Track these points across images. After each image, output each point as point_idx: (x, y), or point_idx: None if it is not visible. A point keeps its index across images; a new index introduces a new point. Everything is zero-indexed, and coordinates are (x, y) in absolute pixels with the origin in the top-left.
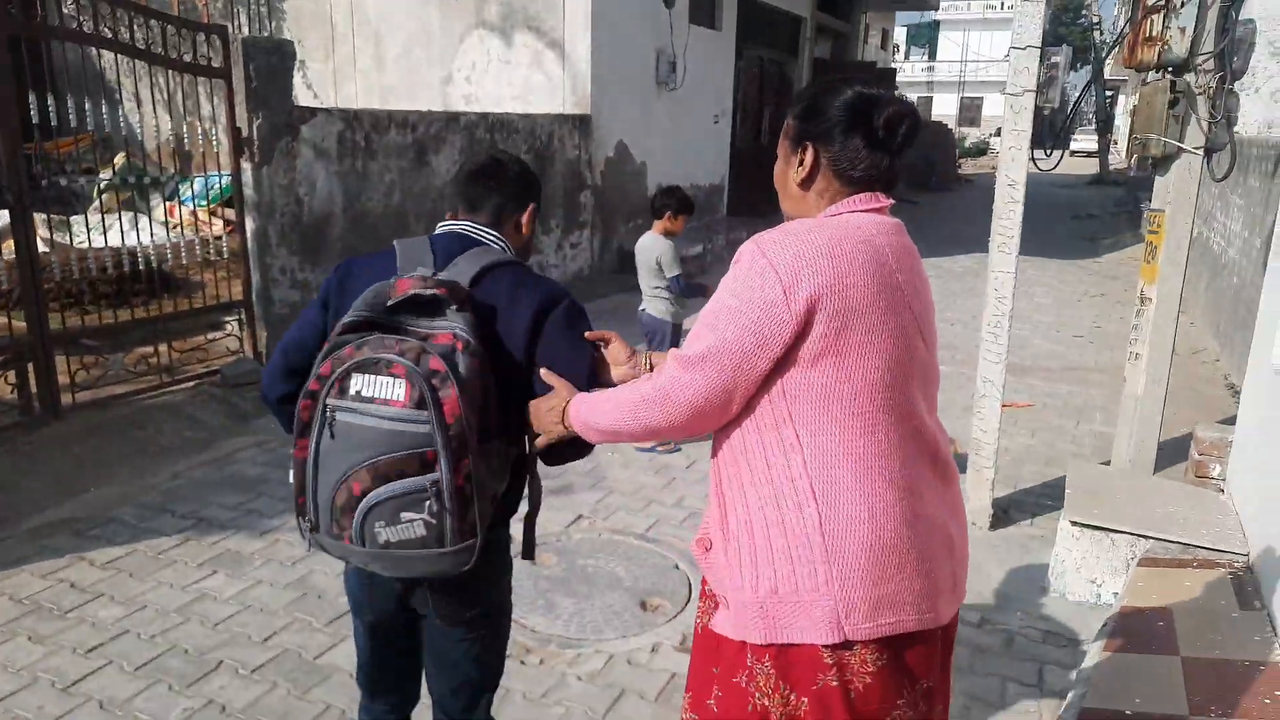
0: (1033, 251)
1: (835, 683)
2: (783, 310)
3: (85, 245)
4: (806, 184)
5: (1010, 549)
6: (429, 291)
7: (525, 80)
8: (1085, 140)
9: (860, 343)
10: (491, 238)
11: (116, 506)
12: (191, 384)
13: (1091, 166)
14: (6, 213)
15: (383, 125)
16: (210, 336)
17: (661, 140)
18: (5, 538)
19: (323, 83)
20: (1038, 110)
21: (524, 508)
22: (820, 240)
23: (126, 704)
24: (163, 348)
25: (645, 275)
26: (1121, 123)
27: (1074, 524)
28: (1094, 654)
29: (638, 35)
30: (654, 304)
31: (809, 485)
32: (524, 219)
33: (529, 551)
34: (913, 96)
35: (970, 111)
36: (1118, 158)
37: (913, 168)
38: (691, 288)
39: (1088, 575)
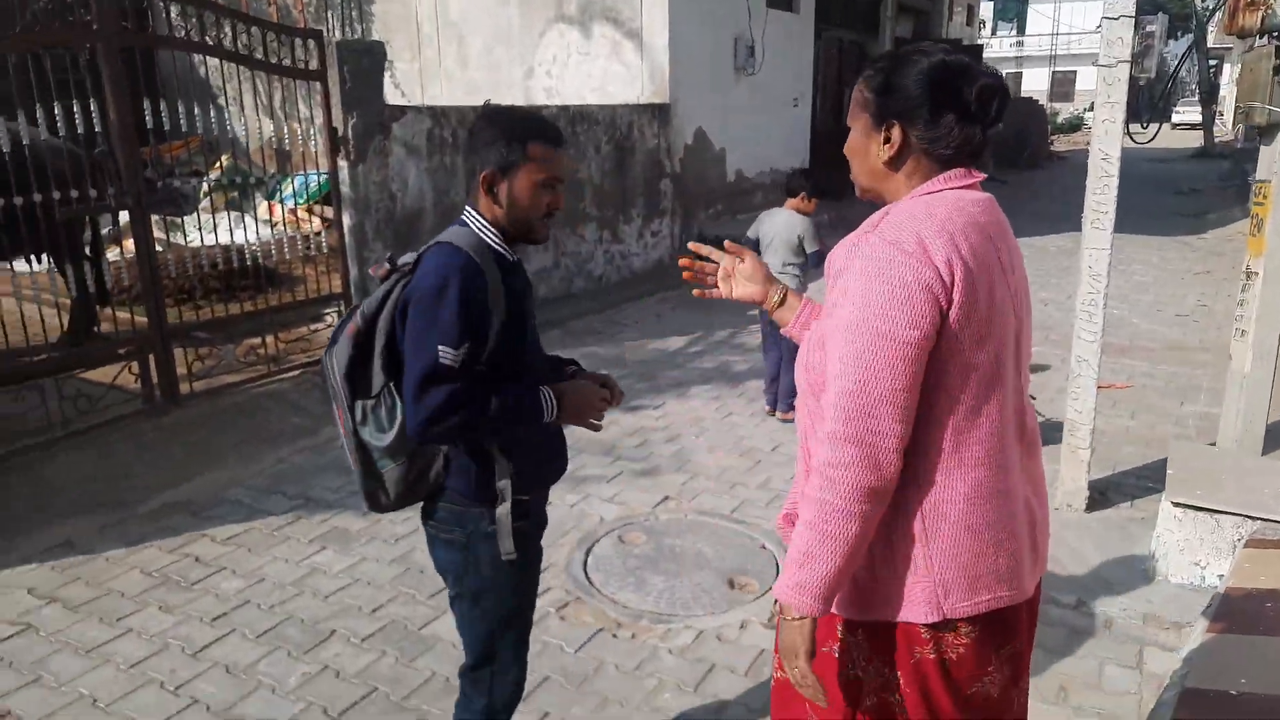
0: (1132, 229)
1: (932, 655)
2: (941, 295)
3: (196, 244)
4: (894, 163)
5: (1108, 531)
6: (371, 274)
7: (604, 71)
8: (1188, 112)
9: (978, 326)
10: (469, 218)
11: (232, 487)
12: (296, 373)
13: (1195, 139)
14: (126, 214)
15: (468, 121)
16: (312, 328)
17: (741, 125)
18: (132, 517)
19: (410, 82)
20: (1133, 81)
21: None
22: (939, 224)
23: (250, 668)
24: (269, 339)
25: (781, 251)
26: (1227, 93)
27: (1176, 505)
28: (1197, 635)
29: (715, 22)
30: (783, 280)
31: (916, 471)
32: (480, 189)
33: (504, 543)
34: (1001, 73)
35: (1062, 86)
36: (1223, 129)
37: (1003, 145)
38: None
39: (1191, 558)
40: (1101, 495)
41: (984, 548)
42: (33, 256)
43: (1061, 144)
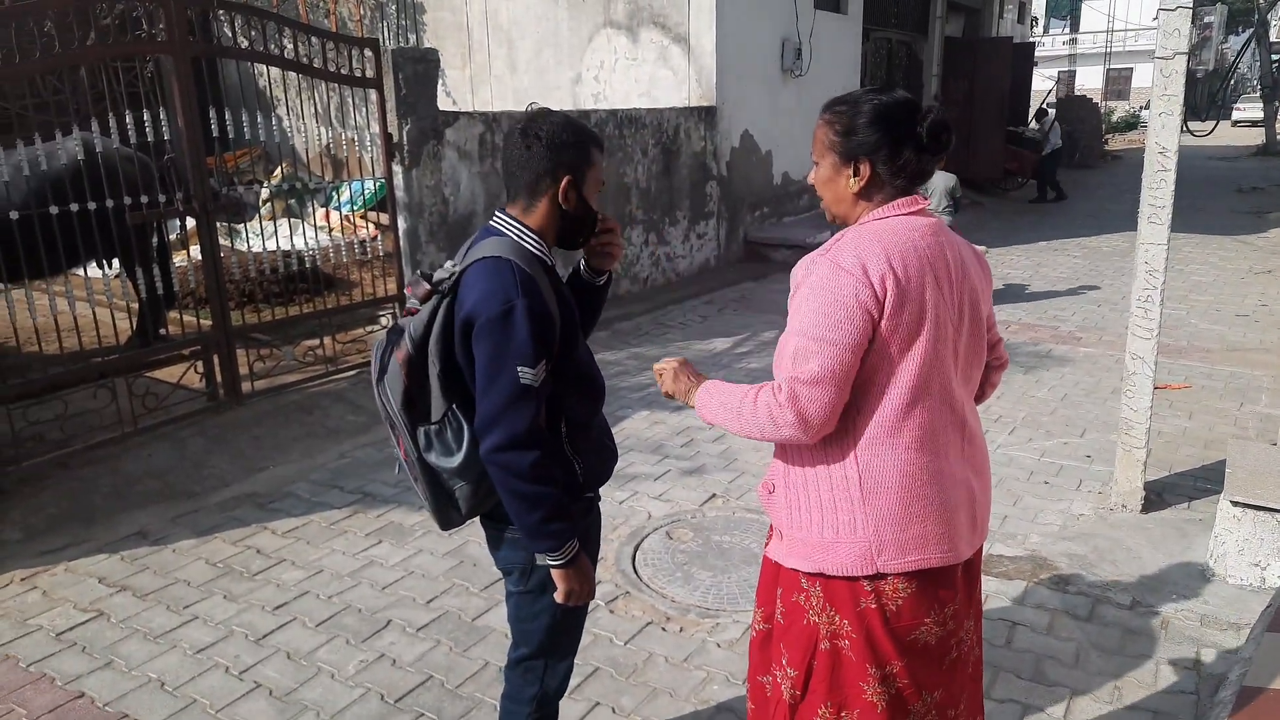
0: (1190, 228)
1: (875, 605)
2: (874, 309)
3: (258, 249)
4: (865, 193)
5: (1165, 532)
6: (408, 295)
7: (652, 76)
8: (1249, 109)
9: (905, 337)
10: (506, 225)
11: (292, 482)
12: (353, 372)
13: (1257, 137)
14: (191, 220)
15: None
16: (367, 329)
17: (787, 127)
18: (199, 509)
19: (460, 89)
20: (1191, 75)
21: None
22: (882, 249)
23: (310, 655)
24: (326, 340)
25: (940, 198)
26: None
27: (1235, 504)
28: (1257, 635)
29: (763, 24)
30: (945, 215)
31: (854, 452)
32: (558, 195)
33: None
34: (1054, 71)
35: (1118, 84)
36: None
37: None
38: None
39: (1250, 558)
40: (1158, 496)
41: (915, 517)
42: (103, 261)
43: (1117, 143)
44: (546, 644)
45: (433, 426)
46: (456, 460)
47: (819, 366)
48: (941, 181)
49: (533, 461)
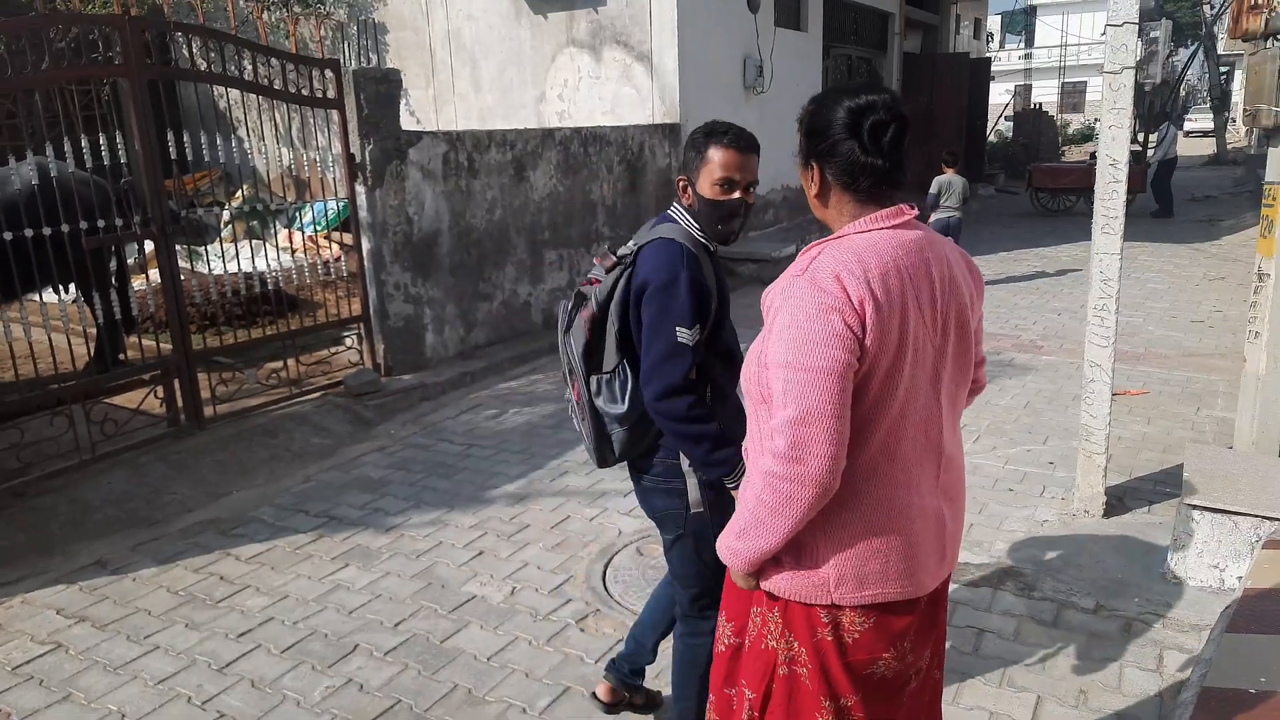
0: (1145, 236)
1: (831, 637)
2: (858, 330)
3: (219, 271)
4: (822, 198)
5: (1126, 537)
6: (596, 264)
7: (615, 94)
8: (1200, 119)
9: (881, 365)
10: (678, 214)
11: (256, 507)
12: (318, 395)
13: (1208, 147)
14: (150, 243)
15: (483, 145)
16: (332, 350)
17: None
18: (160, 536)
19: (424, 108)
20: (1139, 87)
21: None
22: (860, 267)
23: (275, 683)
24: (290, 362)
25: (955, 198)
26: (1239, 99)
27: (1193, 507)
28: (1216, 636)
29: (724, 42)
30: (955, 214)
31: None
32: (679, 190)
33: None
34: (1010, 85)
35: (1072, 97)
36: (1236, 136)
37: (1013, 157)
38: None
39: (1209, 560)
40: (1119, 501)
41: (876, 552)
42: (60, 286)
43: (1073, 155)
44: (709, 583)
45: (605, 376)
46: (620, 408)
47: (816, 400)
48: (959, 183)
49: (688, 405)
